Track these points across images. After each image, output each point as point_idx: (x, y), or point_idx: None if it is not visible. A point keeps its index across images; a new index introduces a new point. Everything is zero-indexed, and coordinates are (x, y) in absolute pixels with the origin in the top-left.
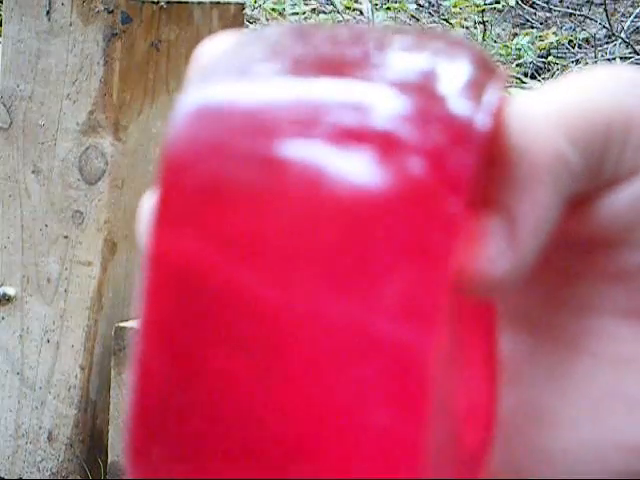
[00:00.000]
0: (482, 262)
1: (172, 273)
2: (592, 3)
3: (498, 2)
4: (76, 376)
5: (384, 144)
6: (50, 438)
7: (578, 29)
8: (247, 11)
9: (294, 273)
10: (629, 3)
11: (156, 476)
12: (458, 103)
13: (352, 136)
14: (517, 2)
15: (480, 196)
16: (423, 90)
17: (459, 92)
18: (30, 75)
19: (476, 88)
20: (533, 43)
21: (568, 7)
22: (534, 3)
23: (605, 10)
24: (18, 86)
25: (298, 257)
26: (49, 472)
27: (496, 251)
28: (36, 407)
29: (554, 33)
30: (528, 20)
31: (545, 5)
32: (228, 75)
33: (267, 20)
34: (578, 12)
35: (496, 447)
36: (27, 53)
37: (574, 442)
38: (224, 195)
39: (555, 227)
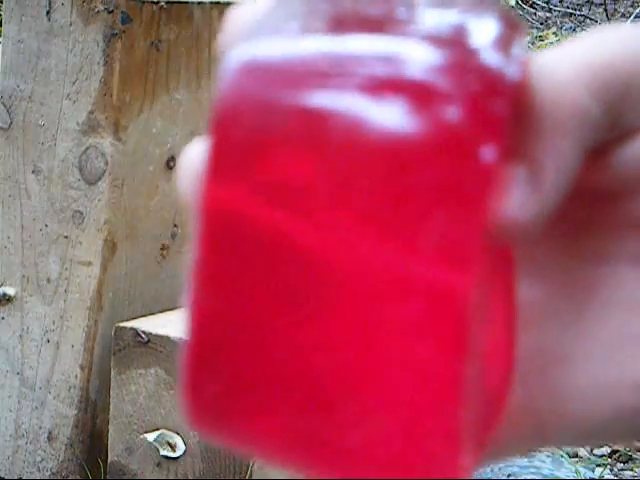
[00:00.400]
0: (509, 208)
1: (221, 220)
2: (592, 3)
3: (498, 2)
4: (76, 376)
5: (420, 93)
6: (50, 438)
7: (578, 29)
8: None
9: (335, 218)
10: (629, 3)
11: (211, 412)
12: (490, 55)
13: (389, 86)
14: (517, 2)
15: (510, 146)
16: (456, 43)
17: (490, 45)
18: (30, 75)
19: (505, 42)
20: (533, 43)
21: (568, 7)
22: (534, 3)
23: (605, 10)
24: (18, 86)
25: (339, 203)
26: (49, 472)
27: (522, 198)
28: (36, 407)
29: (554, 33)
30: (528, 20)
31: (545, 5)
32: (270, 33)
33: None
34: (578, 12)
35: (513, 389)
36: (27, 53)
37: (588, 381)
38: (270, 145)
39: (576, 176)
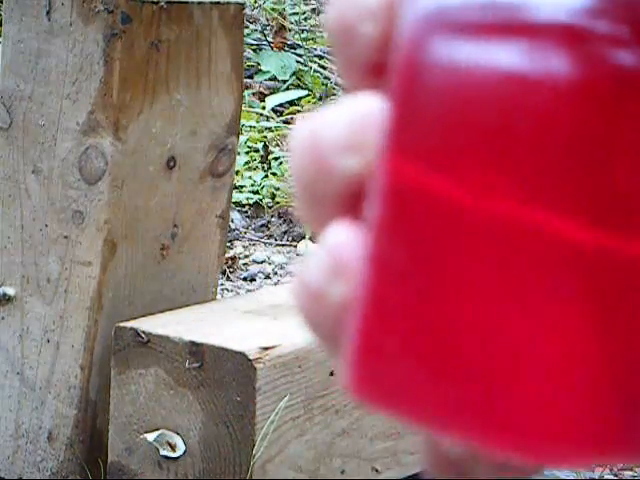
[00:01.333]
0: None
1: (403, 194)
2: None
3: None
4: (76, 376)
5: (587, 39)
6: (50, 438)
7: None
8: (247, 11)
9: (515, 187)
10: None
11: (379, 378)
12: None
13: (554, 33)
14: None
15: None
16: None
17: None
18: (30, 75)
19: None
20: None
21: None
22: None
23: None
24: (18, 86)
25: (521, 173)
26: (49, 472)
27: None
28: (36, 407)
29: None
30: None
31: None
32: None
33: (267, 20)
34: None
35: None
36: (27, 53)
37: None
38: (446, 111)
39: None
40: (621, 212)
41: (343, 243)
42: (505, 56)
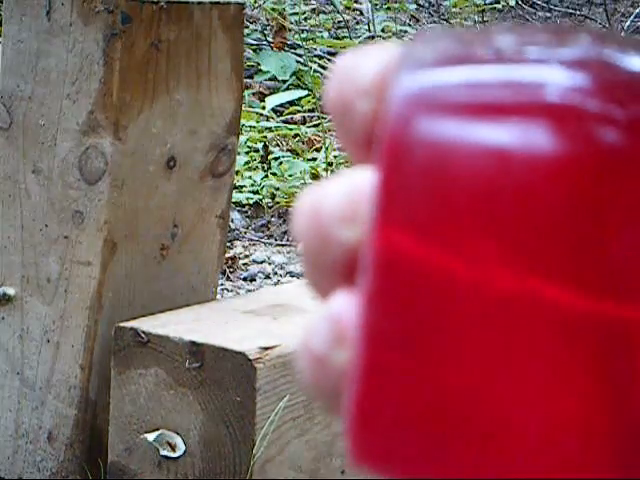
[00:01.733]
0: None
1: (393, 265)
2: (592, 3)
3: (498, 2)
4: (76, 376)
5: (572, 117)
6: (50, 438)
7: None
8: (247, 11)
9: (508, 259)
10: (629, 3)
11: (378, 444)
12: None
13: (545, 112)
14: (517, 2)
15: None
16: (604, 66)
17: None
18: (30, 75)
19: None
20: None
21: (568, 7)
22: (534, 3)
23: (605, 10)
24: (18, 86)
25: (511, 242)
26: (49, 472)
27: None
28: (36, 407)
29: None
30: (528, 20)
31: (545, 5)
32: (432, 65)
33: (267, 20)
34: (578, 12)
35: None
36: (27, 53)
37: None
38: (441, 186)
39: None
40: (611, 277)
41: (344, 310)
42: (483, 131)
